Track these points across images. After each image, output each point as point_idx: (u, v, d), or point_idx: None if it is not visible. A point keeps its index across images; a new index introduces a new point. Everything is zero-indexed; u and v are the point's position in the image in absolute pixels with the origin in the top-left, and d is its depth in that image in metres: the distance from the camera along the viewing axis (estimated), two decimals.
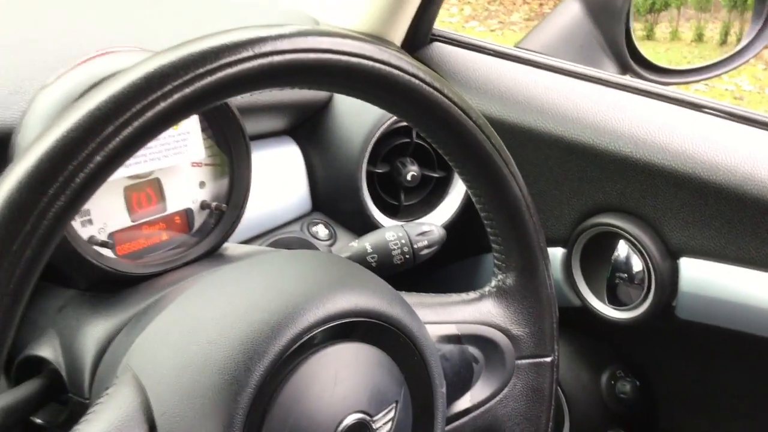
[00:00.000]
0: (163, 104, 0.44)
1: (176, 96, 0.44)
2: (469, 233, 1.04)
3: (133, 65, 0.44)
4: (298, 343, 0.53)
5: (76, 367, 0.64)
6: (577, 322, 1.01)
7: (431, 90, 0.57)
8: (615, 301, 0.97)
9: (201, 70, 0.45)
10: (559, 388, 1.09)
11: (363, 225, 1.02)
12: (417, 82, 0.56)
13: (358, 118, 1.02)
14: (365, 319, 0.57)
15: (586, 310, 1.00)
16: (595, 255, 0.99)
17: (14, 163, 0.41)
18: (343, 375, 0.55)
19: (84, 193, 0.42)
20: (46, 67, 0.76)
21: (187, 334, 0.55)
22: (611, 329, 0.99)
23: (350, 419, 0.54)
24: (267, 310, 0.54)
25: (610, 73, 1.04)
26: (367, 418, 0.55)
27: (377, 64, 0.53)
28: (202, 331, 0.54)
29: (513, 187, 0.65)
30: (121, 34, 0.91)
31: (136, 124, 0.43)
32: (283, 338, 0.52)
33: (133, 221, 0.73)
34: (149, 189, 0.73)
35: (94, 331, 0.65)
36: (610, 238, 0.96)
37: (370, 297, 0.57)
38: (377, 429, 0.56)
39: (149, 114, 0.43)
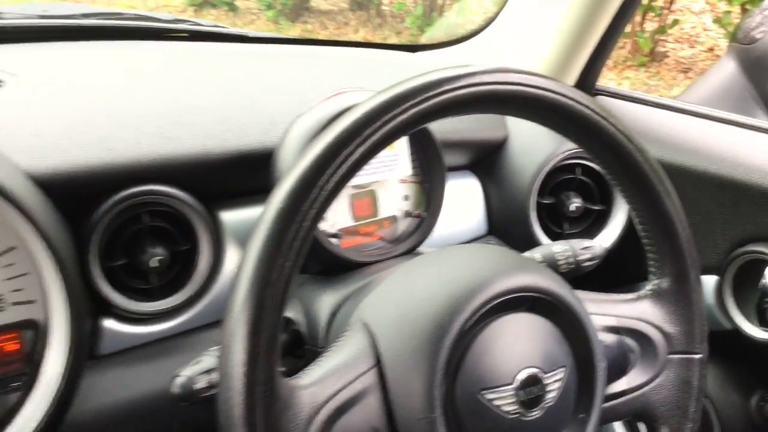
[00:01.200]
0: (392, 123, 0.62)
1: (408, 113, 0.63)
2: (623, 264, 1.15)
3: (368, 98, 0.63)
4: (487, 307, 0.69)
5: (313, 325, 0.84)
6: (729, 345, 1.10)
7: (599, 118, 0.73)
8: (764, 324, 1.06)
9: (427, 95, 0.63)
10: (709, 402, 1.17)
11: (530, 248, 1.17)
12: (588, 111, 0.72)
13: (529, 157, 1.19)
14: (541, 295, 0.71)
15: (738, 333, 1.09)
16: (745, 282, 1.09)
17: (289, 172, 0.60)
18: (521, 336, 0.70)
19: (335, 194, 0.61)
20: (292, 103, 0.99)
21: (405, 293, 0.73)
22: (761, 352, 1.07)
23: (527, 372, 0.68)
24: (465, 279, 0.71)
25: (762, 120, 1.15)
26: (541, 373, 0.69)
27: (558, 96, 0.70)
28: (416, 292, 0.72)
29: (667, 202, 0.76)
30: (335, 81, 1.14)
31: (371, 140, 0.61)
32: (476, 301, 0.69)
33: (354, 222, 0.93)
34: (367, 198, 0.94)
35: (327, 299, 0.85)
36: (760, 265, 1.05)
37: (545, 279, 0.72)
38: (548, 385, 0.69)
39: (384, 129, 0.62)
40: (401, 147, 0.95)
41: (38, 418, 0.77)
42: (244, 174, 0.94)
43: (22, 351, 0.79)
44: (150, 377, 0.88)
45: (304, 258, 0.60)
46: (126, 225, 0.86)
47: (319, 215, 0.60)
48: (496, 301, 0.69)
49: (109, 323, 0.87)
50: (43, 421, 0.76)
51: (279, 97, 1.05)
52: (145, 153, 0.86)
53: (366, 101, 0.63)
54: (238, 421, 0.59)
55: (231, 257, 0.93)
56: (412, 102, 0.63)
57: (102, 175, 0.83)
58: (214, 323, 0.93)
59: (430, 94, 0.63)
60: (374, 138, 0.62)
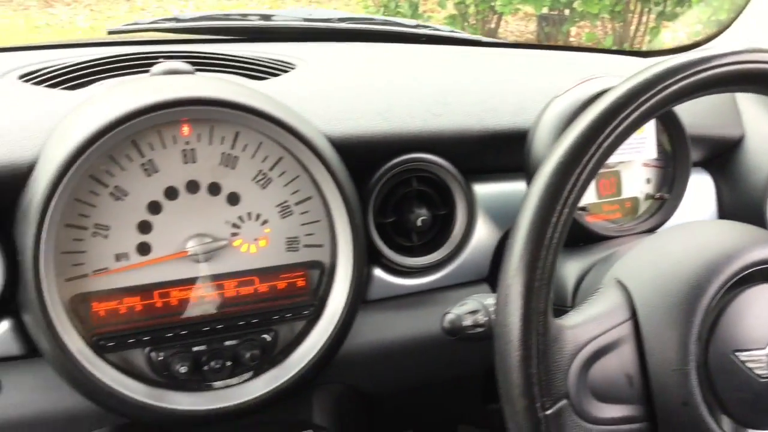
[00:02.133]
0: (651, 101, 0.68)
1: (676, 87, 0.68)
2: None
3: (621, 82, 0.68)
4: (741, 275, 0.73)
5: (559, 288, 0.91)
6: None
7: None
8: None
9: (684, 74, 0.68)
10: None
11: None
12: None
13: (766, 156, 1.19)
14: None
15: None
16: None
17: (556, 149, 0.67)
18: None
19: (595, 171, 0.68)
20: (538, 92, 1.07)
21: (661, 255, 0.78)
22: None
23: None
24: (722, 247, 0.75)
25: None
26: None
27: None
28: (673, 255, 0.77)
29: None
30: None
31: (629, 120, 0.67)
32: (733, 267, 0.73)
33: (597, 199, 1.00)
34: (612, 177, 1.00)
35: (574, 266, 0.92)
36: None
37: None
38: None
39: (644, 107, 0.67)
40: (649, 131, 1.00)
41: (321, 344, 0.89)
42: (496, 151, 1.03)
43: (308, 287, 0.92)
44: (408, 323, 0.99)
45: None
46: (397, 187, 0.98)
47: (584, 186, 0.67)
48: (751, 270, 0.73)
49: (378, 272, 0.98)
50: (325, 347, 0.89)
51: (525, 87, 1.14)
52: (417, 125, 0.98)
53: (629, 79, 0.69)
54: (516, 343, 0.67)
55: (480, 226, 1.03)
56: (680, 76, 0.68)
57: (382, 142, 0.96)
58: (462, 284, 1.03)
59: (699, 68, 0.69)
60: (636, 114, 0.68)
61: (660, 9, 4.74)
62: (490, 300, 0.83)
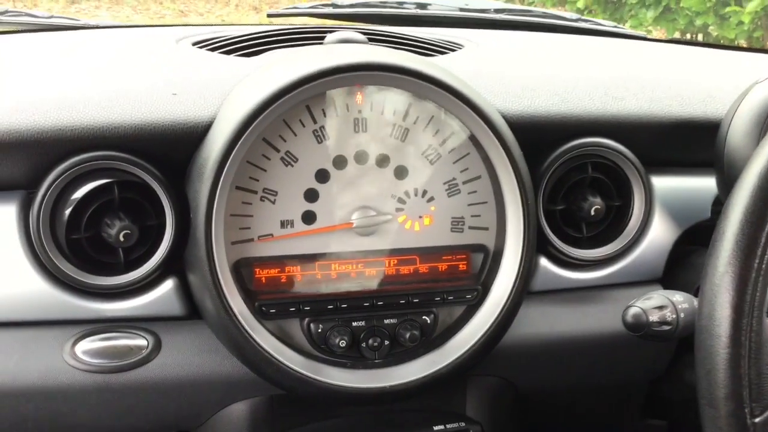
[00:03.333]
0: None
1: None
2: None
3: None
4: None
5: None
6: None
7: None
8: None
9: None
10: None
11: None
12: None
13: None
14: None
15: None
16: None
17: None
18: None
19: None
20: (727, 83, 0.98)
21: None
22: None
23: None
24: None
25: None
26: None
27: None
28: None
29: None
30: None
31: None
32: None
33: None
34: None
35: None
36: None
37: None
38: None
39: None
40: None
41: (483, 331, 0.84)
42: (681, 141, 0.95)
43: (469, 271, 0.88)
44: (573, 319, 0.93)
45: None
46: (569, 174, 0.92)
47: None
48: None
49: (544, 263, 0.93)
50: (486, 335, 0.84)
51: (710, 78, 1.05)
52: (596, 108, 0.92)
53: None
54: (725, 339, 0.59)
55: (657, 221, 0.95)
56: None
57: (558, 123, 0.90)
58: (633, 283, 0.95)
59: None
60: None
61: None
62: (678, 297, 0.75)
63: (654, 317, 0.74)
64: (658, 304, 0.75)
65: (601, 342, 0.92)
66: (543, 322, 0.92)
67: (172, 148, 0.81)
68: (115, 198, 0.79)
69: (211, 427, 0.86)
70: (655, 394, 1.02)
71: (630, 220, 0.93)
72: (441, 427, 0.90)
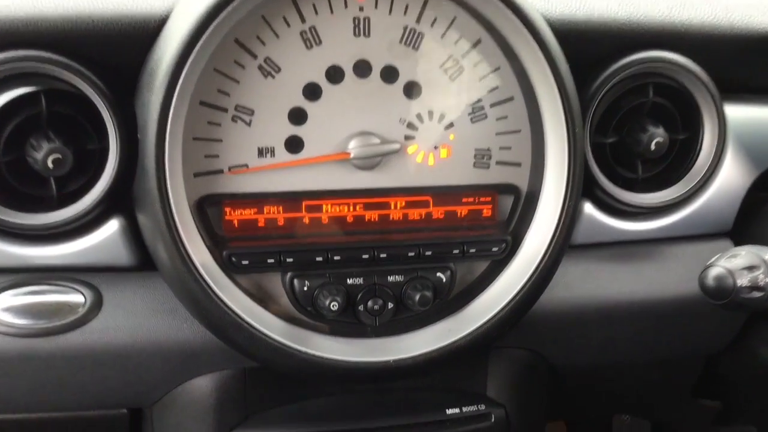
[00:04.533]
0: None
1: None
2: None
3: None
4: None
5: None
6: None
7: None
8: None
9: None
10: None
11: None
12: None
13: None
14: None
15: None
16: None
17: None
18: None
19: None
20: None
21: None
22: None
23: None
24: None
25: None
26: None
27: None
28: None
29: None
30: None
31: None
32: None
33: None
34: None
35: None
36: None
37: None
38: None
39: None
40: None
41: (513, 293, 0.69)
42: (762, 60, 0.81)
43: (495, 218, 0.72)
44: (623, 279, 0.78)
45: None
46: (622, 99, 0.76)
47: None
48: None
49: (589, 209, 0.78)
50: (518, 298, 0.69)
51: None
52: (662, 15, 0.77)
53: None
54: None
55: (730, 160, 0.80)
56: None
57: (614, 32, 0.75)
58: (697, 237, 0.80)
59: None
60: None
61: None
62: None
63: (743, 281, 0.58)
64: (748, 264, 0.59)
65: (656, 309, 0.78)
66: (585, 283, 0.77)
67: (117, 49, 0.67)
68: (43, 111, 0.65)
69: (168, 407, 0.73)
70: (712, 370, 0.86)
71: (698, 157, 0.78)
72: (456, 410, 0.76)
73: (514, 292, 0.68)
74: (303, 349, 0.65)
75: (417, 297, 0.67)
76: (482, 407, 0.76)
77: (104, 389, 0.69)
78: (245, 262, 0.65)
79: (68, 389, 0.68)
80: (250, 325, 0.63)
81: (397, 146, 0.68)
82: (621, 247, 0.79)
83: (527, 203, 0.71)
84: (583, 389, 0.89)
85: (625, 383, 0.89)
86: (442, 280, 0.69)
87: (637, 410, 1.05)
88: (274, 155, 0.67)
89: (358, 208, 0.69)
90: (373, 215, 0.70)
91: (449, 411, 0.76)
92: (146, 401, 0.72)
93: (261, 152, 0.67)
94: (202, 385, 0.71)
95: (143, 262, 0.68)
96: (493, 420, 0.76)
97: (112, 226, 0.67)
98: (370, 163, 0.68)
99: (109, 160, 0.65)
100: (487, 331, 0.68)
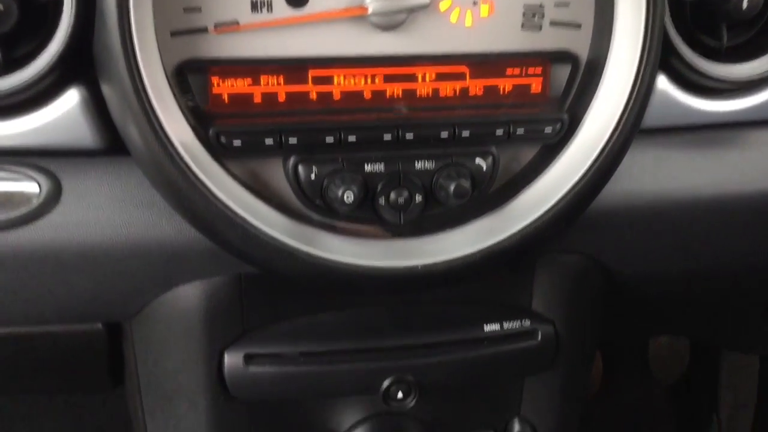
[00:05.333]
0: None
1: None
2: None
3: None
4: None
5: None
6: None
7: None
8: None
9: None
10: None
11: None
12: None
13: None
14: None
15: None
16: None
17: None
18: None
19: None
20: None
21: None
22: None
23: None
24: None
25: None
26: None
27: None
28: None
29: None
30: None
31: None
32: None
33: None
34: None
35: None
36: None
37: None
38: None
39: None
40: None
41: (569, 185, 0.58)
42: None
43: (546, 93, 0.60)
44: (701, 169, 0.66)
45: None
46: None
47: None
48: None
49: (663, 84, 0.65)
50: (575, 190, 0.58)
51: None
52: None
53: None
54: None
55: None
56: None
57: None
58: None
59: None
60: None
61: None
62: None
63: None
64: None
65: (740, 206, 0.66)
66: (656, 173, 0.65)
67: None
68: None
69: (150, 320, 0.63)
70: None
71: None
72: (495, 326, 0.66)
73: (571, 183, 0.57)
74: (309, 250, 0.54)
75: (451, 187, 0.56)
76: (527, 323, 0.66)
77: (72, 299, 0.59)
78: (237, 143, 0.53)
79: (29, 298, 0.58)
80: (245, 220, 0.52)
81: (426, 2, 0.55)
82: (700, 132, 0.67)
83: (588, 74, 0.59)
84: (635, 304, 0.77)
85: (696, 297, 0.78)
86: (482, 167, 0.58)
87: (687, 329, 0.94)
88: (271, 10, 0.55)
89: (377, 80, 0.58)
90: (396, 88, 0.58)
91: (487, 327, 0.66)
92: (124, 314, 0.63)
93: (255, 6, 0.55)
94: (189, 294, 0.60)
95: (111, 144, 0.56)
96: (539, 338, 0.66)
97: (71, 98, 0.55)
98: (392, 21, 0.56)
99: (63, 12, 0.52)
100: (536, 231, 0.57)
